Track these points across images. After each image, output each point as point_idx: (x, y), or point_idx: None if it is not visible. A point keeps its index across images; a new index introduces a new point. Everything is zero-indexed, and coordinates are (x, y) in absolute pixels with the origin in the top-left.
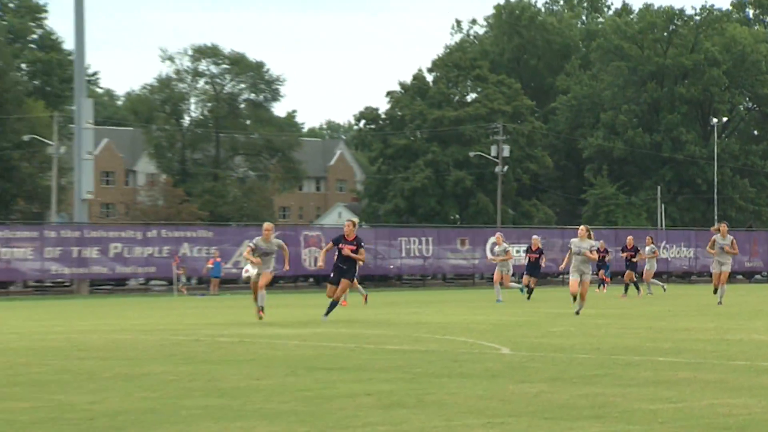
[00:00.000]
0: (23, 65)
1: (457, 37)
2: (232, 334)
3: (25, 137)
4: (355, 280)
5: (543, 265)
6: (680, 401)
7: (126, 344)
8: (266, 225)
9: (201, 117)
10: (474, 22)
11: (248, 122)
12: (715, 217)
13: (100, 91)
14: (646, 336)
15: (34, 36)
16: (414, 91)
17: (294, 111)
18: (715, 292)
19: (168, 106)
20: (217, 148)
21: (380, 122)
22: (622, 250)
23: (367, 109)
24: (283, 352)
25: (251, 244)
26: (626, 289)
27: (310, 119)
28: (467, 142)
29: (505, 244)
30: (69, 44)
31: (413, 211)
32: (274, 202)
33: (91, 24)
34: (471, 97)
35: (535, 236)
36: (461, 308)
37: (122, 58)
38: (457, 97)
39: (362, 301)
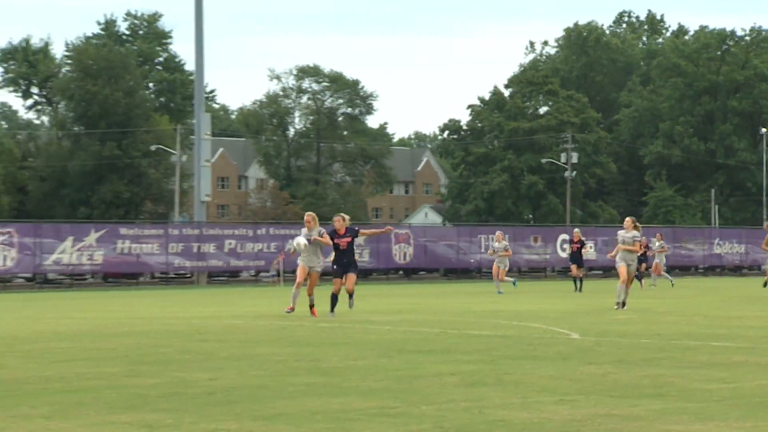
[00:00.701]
0: (151, 84)
1: (531, 57)
2: (332, 320)
3: (152, 147)
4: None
5: (585, 252)
6: (733, 382)
7: (239, 328)
8: (306, 216)
9: (304, 129)
10: (546, 43)
11: (345, 133)
12: (764, 217)
13: (216, 106)
14: (701, 323)
15: (160, 59)
16: (492, 105)
17: (385, 123)
18: (765, 285)
19: (275, 119)
20: (318, 156)
21: (462, 132)
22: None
23: (450, 121)
24: (376, 336)
25: (295, 245)
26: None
27: (399, 130)
28: (539, 150)
29: (504, 242)
30: (190, 65)
31: (491, 212)
32: (368, 203)
33: (209, 47)
34: (543, 110)
35: (576, 229)
36: (534, 298)
37: (236, 77)
38: (530, 110)
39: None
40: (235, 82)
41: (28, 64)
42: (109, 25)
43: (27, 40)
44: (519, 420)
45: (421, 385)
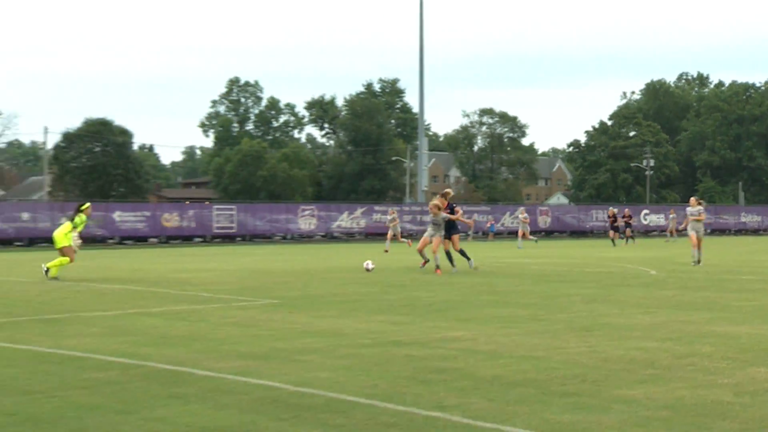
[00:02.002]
0: (392, 121)
1: (624, 101)
2: (501, 262)
3: (393, 158)
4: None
5: (620, 224)
6: (755, 300)
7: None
8: (430, 205)
9: (483, 146)
10: (633, 92)
11: (508, 148)
12: None
13: (430, 133)
14: (734, 265)
15: (398, 105)
16: (600, 130)
17: (533, 142)
18: None
19: (465, 140)
20: (492, 162)
21: (580, 148)
22: (613, 217)
23: (573, 140)
24: (529, 271)
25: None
26: (614, 242)
27: (542, 146)
28: (629, 158)
29: (526, 214)
30: (415, 109)
31: (599, 196)
32: (522, 191)
33: (427, 97)
34: (632, 133)
35: (611, 207)
36: (622, 250)
37: (442, 115)
38: (624, 133)
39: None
40: (442, 117)
41: (323, 110)
42: (369, 86)
43: (322, 96)
44: (619, 323)
45: (558, 301)
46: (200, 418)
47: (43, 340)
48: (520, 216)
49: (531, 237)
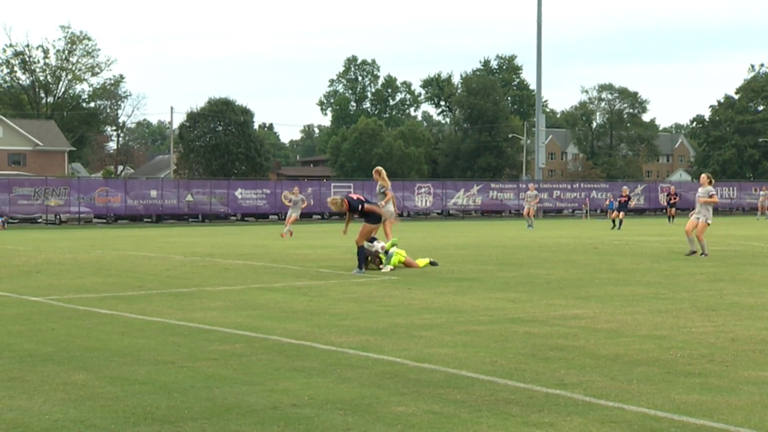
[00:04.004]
0: (508, 98)
1: (752, 74)
2: (619, 240)
3: (510, 135)
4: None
5: (631, 205)
6: None
7: (563, 245)
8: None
9: (602, 122)
10: (762, 65)
11: (628, 124)
12: None
13: (547, 110)
14: None
15: (515, 82)
16: (726, 104)
17: (654, 118)
18: None
19: (584, 117)
20: (611, 139)
21: (704, 123)
22: (667, 195)
23: (697, 115)
24: (650, 250)
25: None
26: (614, 224)
27: (664, 121)
28: (757, 133)
29: (536, 191)
30: (532, 86)
31: (723, 172)
32: (642, 168)
33: (544, 73)
34: (761, 107)
35: (624, 186)
36: (752, 227)
37: (558, 92)
38: (752, 108)
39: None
40: (560, 94)
41: (439, 88)
42: (486, 63)
43: (438, 74)
44: (747, 303)
45: (680, 280)
46: (322, 390)
47: (173, 312)
48: (528, 193)
49: (528, 218)
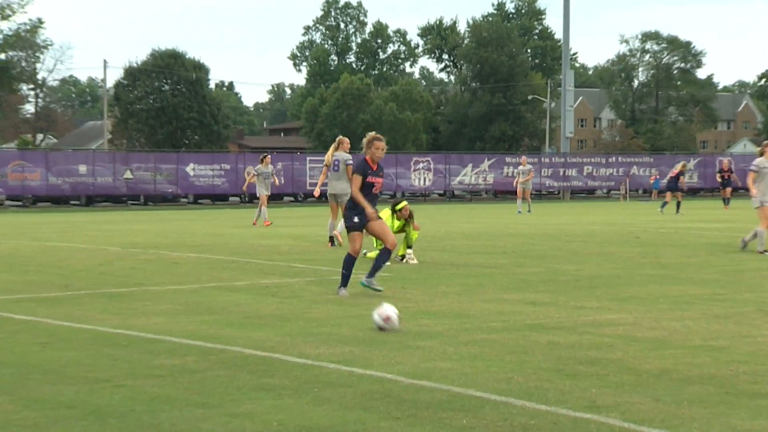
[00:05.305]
0: (528, 50)
1: None
2: (668, 227)
3: (529, 97)
4: None
5: (681, 183)
6: None
7: (596, 233)
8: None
9: (646, 80)
10: None
11: (678, 83)
12: None
13: (577, 65)
14: None
15: (537, 30)
16: None
17: (712, 74)
18: None
19: (623, 73)
20: (657, 101)
21: None
22: (719, 171)
23: (765, 71)
24: (706, 240)
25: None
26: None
27: (724, 79)
28: None
29: (529, 166)
30: (558, 35)
31: None
32: (696, 137)
33: (573, 19)
34: None
35: (683, 161)
36: None
37: (593, 42)
38: None
39: None
40: (592, 45)
41: (441, 38)
42: (500, 6)
43: (440, 20)
44: None
45: (745, 277)
46: (295, 414)
47: (108, 318)
48: (521, 168)
49: (519, 201)
